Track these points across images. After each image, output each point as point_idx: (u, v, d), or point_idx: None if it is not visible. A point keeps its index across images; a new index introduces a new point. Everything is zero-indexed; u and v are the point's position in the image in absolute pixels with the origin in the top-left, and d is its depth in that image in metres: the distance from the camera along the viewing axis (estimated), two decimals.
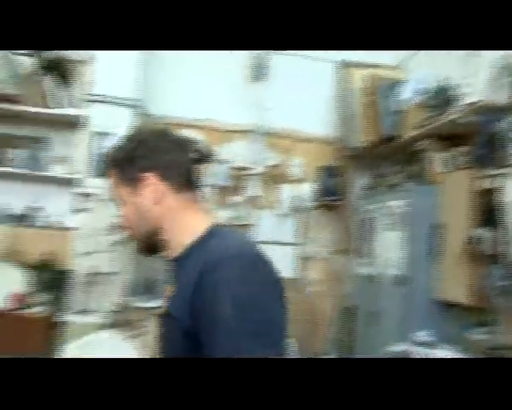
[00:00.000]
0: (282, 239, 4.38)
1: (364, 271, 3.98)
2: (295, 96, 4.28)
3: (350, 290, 4.26)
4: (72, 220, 3.98)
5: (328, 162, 4.40)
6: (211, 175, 4.32)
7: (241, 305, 0.94)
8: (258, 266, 1.03)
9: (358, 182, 4.42)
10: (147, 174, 1.12)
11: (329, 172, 4.32)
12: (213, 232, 1.12)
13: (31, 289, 3.88)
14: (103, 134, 3.88)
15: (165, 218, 1.14)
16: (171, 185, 1.14)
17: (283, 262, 4.36)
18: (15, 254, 3.94)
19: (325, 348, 4.17)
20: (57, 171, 4.09)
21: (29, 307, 3.75)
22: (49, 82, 4.00)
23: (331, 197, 4.28)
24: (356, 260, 4.18)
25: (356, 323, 4.02)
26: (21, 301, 3.77)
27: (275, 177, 4.41)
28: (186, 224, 1.14)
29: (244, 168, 4.39)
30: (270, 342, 0.95)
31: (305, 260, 4.38)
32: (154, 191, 1.13)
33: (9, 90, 3.92)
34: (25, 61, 3.96)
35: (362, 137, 4.02)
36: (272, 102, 4.28)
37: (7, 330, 3.63)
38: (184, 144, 1.19)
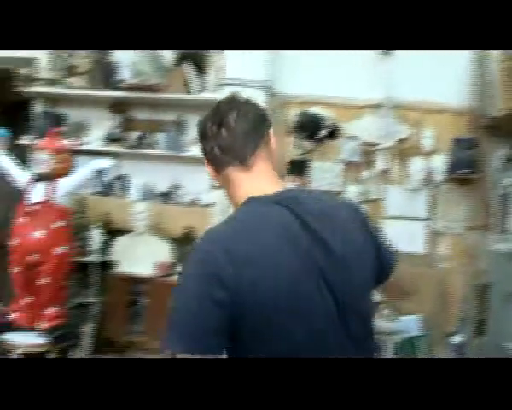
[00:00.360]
0: (413, 214, 4.27)
1: (502, 248, 3.75)
2: (425, 65, 4.11)
3: (485, 268, 4.04)
4: (209, 197, 4.30)
5: (463, 133, 4.18)
6: (341, 151, 4.36)
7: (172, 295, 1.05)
8: (199, 259, 1.04)
9: (496, 153, 4.13)
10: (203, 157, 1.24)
11: (464, 144, 4.09)
12: (236, 211, 1.16)
13: (174, 260, 4.30)
14: None
15: (226, 189, 1.22)
16: (211, 166, 1.22)
17: (414, 237, 4.26)
18: (161, 228, 4.39)
19: (456, 326, 4.03)
20: (195, 151, 4.44)
21: (173, 275, 4.17)
22: (187, 71, 4.34)
23: (465, 170, 4.05)
24: (493, 236, 3.94)
25: (490, 302, 3.81)
26: (167, 269, 4.20)
27: (405, 150, 4.30)
28: (233, 197, 1.20)
29: (374, 143, 4.34)
30: (173, 339, 1.01)
31: (437, 235, 4.23)
32: (209, 171, 1.23)
33: (154, 80, 4.33)
34: (166, 53, 4.35)
35: (501, 105, 3.75)
36: (401, 74, 4.15)
37: (155, 295, 4.09)
38: (213, 126, 1.18)
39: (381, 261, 1.24)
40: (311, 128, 3.22)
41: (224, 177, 1.19)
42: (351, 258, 1.13)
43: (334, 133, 3.35)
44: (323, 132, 3.27)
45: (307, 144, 3.30)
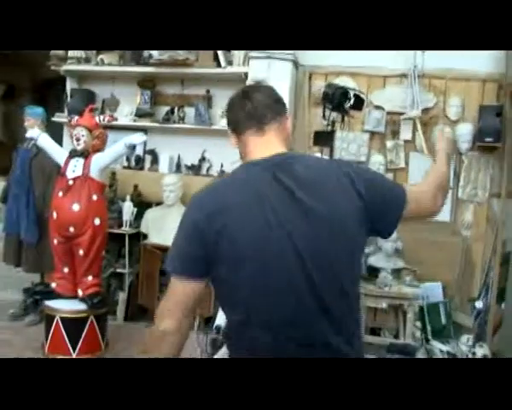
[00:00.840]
0: None
1: None
2: None
3: (510, 236, 4.08)
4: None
5: (489, 101, 4.16)
6: (366, 121, 4.40)
7: None
8: (189, 211, 1.33)
9: None
10: (228, 129, 1.48)
11: (490, 112, 4.07)
12: (229, 174, 1.42)
13: None
14: None
15: (243, 155, 1.44)
16: (234, 133, 1.44)
17: None
18: (188, 199, 4.52)
19: (478, 292, 4.11)
20: (223, 125, 4.53)
21: None
22: None
23: (491, 138, 4.05)
24: None
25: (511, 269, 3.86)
26: None
27: (431, 119, 4.31)
28: (246, 160, 1.42)
29: (399, 113, 4.36)
30: (168, 263, 1.33)
31: (462, 203, 4.26)
32: (232, 140, 1.46)
33: (182, 55, 4.42)
34: None
35: None
36: None
37: None
38: (239, 99, 1.43)
39: (382, 210, 1.36)
40: (337, 99, 3.26)
41: (243, 141, 1.41)
42: (328, 222, 1.26)
43: (359, 104, 3.39)
44: (349, 103, 3.31)
45: (334, 115, 3.36)
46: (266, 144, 1.38)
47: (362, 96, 3.46)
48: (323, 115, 3.36)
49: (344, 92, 3.28)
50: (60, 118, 4.92)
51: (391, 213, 1.39)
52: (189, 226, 1.30)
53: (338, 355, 1.25)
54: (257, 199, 1.26)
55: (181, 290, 1.30)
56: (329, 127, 3.39)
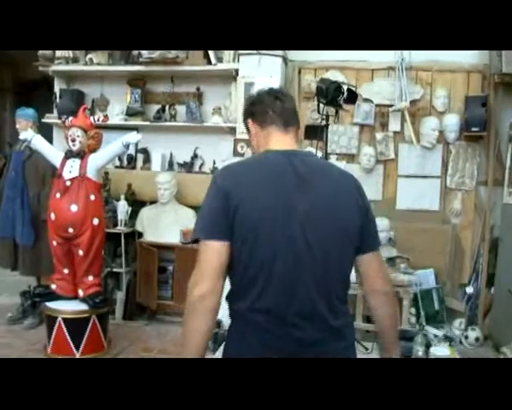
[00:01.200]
0: (428, 172, 4.41)
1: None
2: None
3: (495, 222, 4.21)
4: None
5: (474, 92, 4.27)
6: (355, 114, 4.48)
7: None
8: (215, 183, 1.44)
9: (508, 110, 4.23)
10: (248, 120, 1.63)
11: (476, 103, 4.18)
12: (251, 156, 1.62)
13: None
14: (251, 84, 4.24)
15: (260, 145, 1.60)
16: (258, 124, 1.60)
17: (428, 194, 4.41)
18: (183, 196, 4.56)
19: (468, 278, 4.24)
20: (214, 122, 4.56)
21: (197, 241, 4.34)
22: None
23: (477, 128, 4.17)
24: (506, 191, 4.08)
25: (500, 255, 3.98)
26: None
27: (419, 110, 4.41)
28: (262, 149, 1.59)
29: (387, 105, 4.45)
30: (195, 229, 1.43)
31: (451, 191, 4.38)
32: (252, 130, 1.62)
33: (172, 53, 4.43)
34: None
35: None
36: None
37: (181, 261, 4.28)
38: (269, 97, 1.59)
39: (362, 238, 1.50)
40: (331, 94, 3.32)
41: (265, 132, 1.58)
42: (329, 214, 1.44)
43: (353, 97, 3.46)
44: (343, 97, 3.37)
45: (327, 109, 3.42)
46: (286, 141, 1.57)
47: (354, 89, 3.53)
48: (318, 110, 3.42)
49: (337, 87, 3.34)
50: (49, 119, 4.90)
51: (363, 242, 1.51)
52: (217, 190, 1.42)
53: (337, 334, 1.42)
54: (273, 177, 1.44)
55: (209, 253, 1.38)
56: (323, 121, 3.45)
